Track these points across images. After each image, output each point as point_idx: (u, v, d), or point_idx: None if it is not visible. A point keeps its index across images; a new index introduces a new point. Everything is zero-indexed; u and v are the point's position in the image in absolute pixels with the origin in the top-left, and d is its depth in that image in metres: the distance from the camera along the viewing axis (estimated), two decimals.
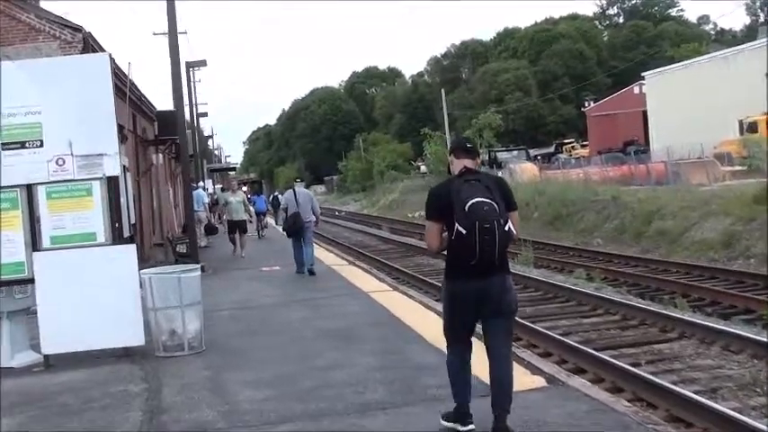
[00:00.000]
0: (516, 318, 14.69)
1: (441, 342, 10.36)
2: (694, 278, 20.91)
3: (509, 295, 6.66)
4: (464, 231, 6.24)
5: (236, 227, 26.00)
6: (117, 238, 11.07)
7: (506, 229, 6.31)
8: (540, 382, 8.81)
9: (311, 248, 20.04)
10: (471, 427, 6.76)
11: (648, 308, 15.86)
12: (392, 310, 13.68)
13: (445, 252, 6.69)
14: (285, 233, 20.81)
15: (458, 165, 6.72)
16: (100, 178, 10.92)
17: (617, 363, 11.41)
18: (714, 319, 15.44)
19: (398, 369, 9.46)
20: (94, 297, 10.74)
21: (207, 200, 33.48)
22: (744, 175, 35.64)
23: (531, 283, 20.53)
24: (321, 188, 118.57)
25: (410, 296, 15.71)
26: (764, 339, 12.22)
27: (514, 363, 7.73)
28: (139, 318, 10.96)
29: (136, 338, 10.98)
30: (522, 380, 8.84)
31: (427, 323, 12.34)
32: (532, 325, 14.65)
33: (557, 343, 13.20)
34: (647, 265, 24.06)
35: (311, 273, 19.44)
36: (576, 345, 12.80)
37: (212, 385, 9.35)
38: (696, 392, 9.99)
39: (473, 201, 6.26)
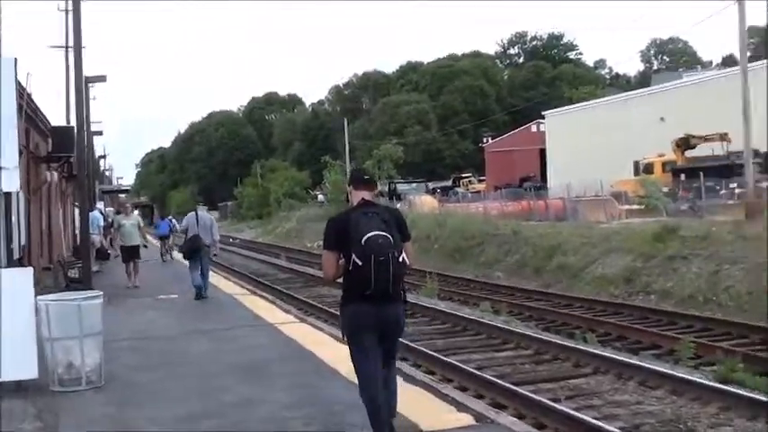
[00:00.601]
0: (428, 351, 14.54)
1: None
2: (598, 313, 20.93)
3: (402, 322, 7.10)
4: (360, 263, 6.64)
5: (130, 253, 23.58)
6: (10, 260, 10.30)
7: (400, 260, 6.74)
8: (468, 419, 8.50)
9: (208, 273, 20.75)
10: None
11: (561, 342, 15.63)
12: (302, 344, 13.16)
13: (341, 280, 6.99)
14: (183, 255, 21.54)
15: (356, 195, 7.15)
16: None
17: (538, 398, 11.07)
18: (624, 354, 15.25)
19: (317, 406, 9.01)
20: None
21: (102, 222, 32.21)
22: (641, 214, 36.18)
23: (439, 316, 20.21)
24: (215, 214, 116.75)
25: (319, 328, 15.17)
26: (682, 375, 12.07)
27: (437, 398, 8.80)
28: (33, 348, 10.13)
29: (29, 371, 10.10)
30: (448, 417, 8.57)
31: (341, 357, 11.75)
32: (446, 358, 14.24)
33: (473, 377, 12.80)
34: (551, 299, 24.05)
35: (204, 296, 20.03)
36: (495, 379, 12.42)
37: (114, 424, 8.67)
38: (621, 429, 9.73)
39: (369, 234, 6.65)
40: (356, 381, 7.23)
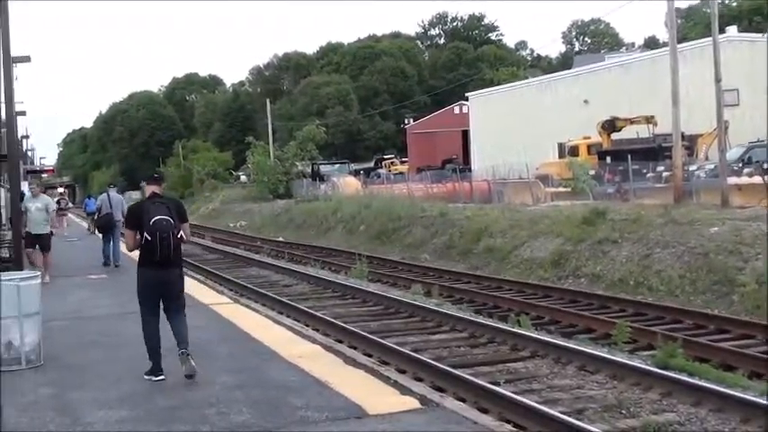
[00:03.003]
0: (364, 333, 14.48)
1: (299, 359, 9.94)
2: (529, 296, 20.92)
3: (181, 283, 9.85)
4: (149, 238, 9.22)
5: (36, 243, 19.65)
6: None
7: (179, 236, 9.38)
8: (413, 402, 8.48)
9: (119, 245, 23.09)
10: (162, 377, 9.47)
11: (496, 325, 15.63)
12: (239, 325, 13.09)
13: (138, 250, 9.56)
14: (98, 229, 25.32)
15: (148, 190, 9.87)
16: None
17: (479, 381, 11.06)
18: (559, 337, 15.31)
19: (260, 388, 8.97)
20: None
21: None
22: (567, 197, 36.41)
23: (370, 298, 20.14)
24: (137, 194, 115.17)
25: (255, 310, 15.09)
26: (622, 360, 12.17)
27: (380, 381, 9.39)
28: None
29: None
30: (392, 400, 8.56)
31: (279, 339, 11.82)
32: (382, 341, 14.18)
33: (411, 360, 12.74)
34: (480, 281, 24.01)
35: (117, 265, 22.92)
36: (433, 362, 12.39)
37: (58, 404, 8.51)
38: (564, 413, 9.72)
39: (156, 218, 9.22)
40: (296, 363, 9.73)
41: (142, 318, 9.69)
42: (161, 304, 9.68)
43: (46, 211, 19.70)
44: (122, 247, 22.91)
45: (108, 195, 24.02)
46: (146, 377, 9.44)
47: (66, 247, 31.55)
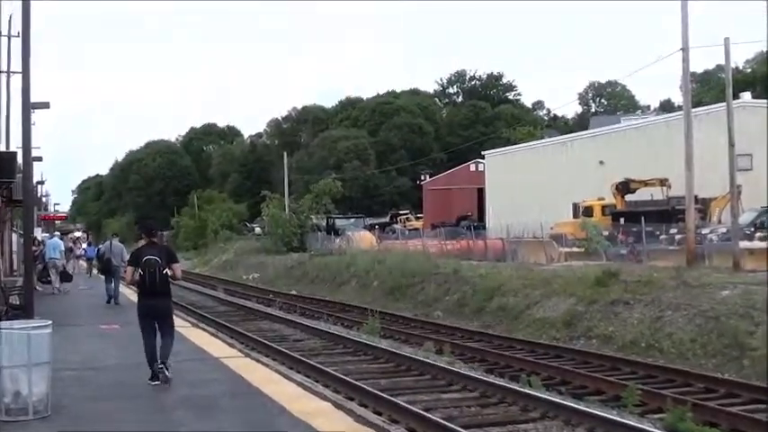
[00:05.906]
0: (374, 390, 14.41)
1: (308, 416, 9.93)
2: (540, 356, 20.89)
3: (169, 308, 12.75)
4: (142, 273, 12.08)
5: None
6: None
7: (164, 272, 12.16)
8: None
9: (119, 286, 27.38)
10: (158, 382, 12.16)
11: (507, 386, 15.55)
12: (249, 379, 13.07)
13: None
14: (99, 272, 30.33)
15: (146, 238, 12.87)
16: None
17: None
18: (569, 398, 15.22)
19: None
20: None
21: (63, 248, 32.36)
22: (581, 257, 36.38)
23: (381, 354, 20.03)
24: None
25: (265, 364, 15.08)
26: (632, 423, 12.09)
27: None
28: None
29: None
30: None
31: (289, 395, 11.79)
32: (393, 399, 14.10)
33: (421, 419, 12.65)
34: (492, 340, 23.98)
35: (117, 303, 26.56)
36: (444, 422, 12.31)
37: None
38: None
39: (146, 257, 12.11)
40: (305, 420, 10.05)
41: (142, 335, 12.45)
42: (156, 325, 12.38)
43: None
44: (121, 288, 27.83)
45: (110, 243, 27.97)
46: (148, 382, 12.18)
47: (79, 295, 31.58)
